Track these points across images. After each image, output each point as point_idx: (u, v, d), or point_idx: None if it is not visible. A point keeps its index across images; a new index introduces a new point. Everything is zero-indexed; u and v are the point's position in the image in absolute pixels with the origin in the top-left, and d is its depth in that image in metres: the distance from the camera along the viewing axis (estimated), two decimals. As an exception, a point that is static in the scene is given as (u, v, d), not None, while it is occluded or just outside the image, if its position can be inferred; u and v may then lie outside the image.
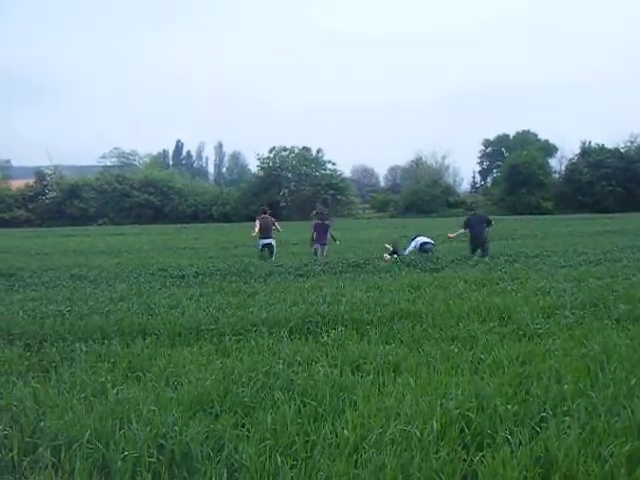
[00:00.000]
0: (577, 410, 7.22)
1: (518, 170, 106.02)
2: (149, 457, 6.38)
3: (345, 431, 6.77)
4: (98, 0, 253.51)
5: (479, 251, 26.40)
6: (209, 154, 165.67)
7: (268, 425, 7.04)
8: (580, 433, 6.60)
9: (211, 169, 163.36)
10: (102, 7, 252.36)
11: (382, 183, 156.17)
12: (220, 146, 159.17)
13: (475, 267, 22.35)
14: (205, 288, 18.31)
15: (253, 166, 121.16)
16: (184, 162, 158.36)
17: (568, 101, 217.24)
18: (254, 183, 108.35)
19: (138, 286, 19.01)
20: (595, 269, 20.80)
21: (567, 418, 7.01)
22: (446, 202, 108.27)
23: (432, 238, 29.52)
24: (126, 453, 6.40)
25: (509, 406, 7.36)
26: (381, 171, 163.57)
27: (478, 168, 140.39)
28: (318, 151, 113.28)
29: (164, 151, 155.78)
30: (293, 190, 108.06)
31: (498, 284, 17.70)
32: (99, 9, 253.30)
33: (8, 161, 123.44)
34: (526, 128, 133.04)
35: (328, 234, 29.36)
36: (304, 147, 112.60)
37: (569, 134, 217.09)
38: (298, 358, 10.03)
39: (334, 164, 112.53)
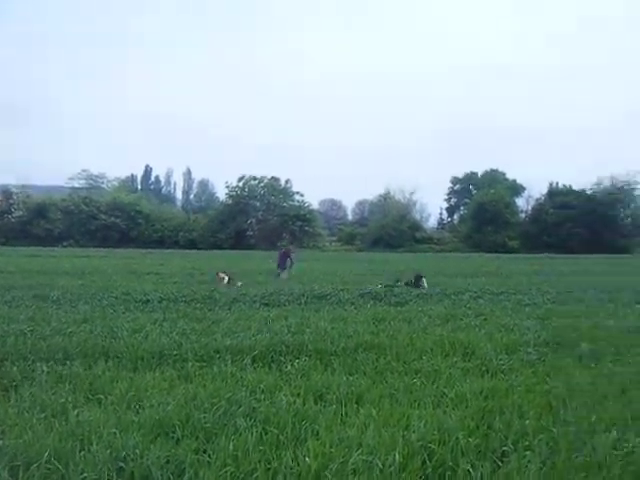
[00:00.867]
0: (539, 445, 7.27)
1: (485, 208, 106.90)
2: (109, 479, 6.32)
3: (307, 459, 6.75)
4: (69, 20, 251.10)
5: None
6: (177, 180, 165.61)
7: (230, 451, 7.01)
8: (541, 468, 6.64)
9: (179, 195, 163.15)
10: (73, 27, 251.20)
11: (350, 216, 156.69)
12: (189, 172, 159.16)
13: (440, 302, 22.41)
14: (169, 313, 18.23)
15: (221, 194, 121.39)
16: (152, 187, 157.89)
17: (537, 142, 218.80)
18: (222, 211, 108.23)
19: (102, 309, 18.91)
20: (559, 308, 20.99)
21: (528, 452, 7.04)
22: (413, 237, 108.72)
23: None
24: (85, 475, 6.36)
25: (471, 439, 7.39)
26: (349, 204, 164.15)
27: (445, 205, 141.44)
28: (287, 182, 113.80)
29: (132, 175, 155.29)
30: (261, 219, 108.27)
31: (462, 320, 17.77)
32: (70, 30, 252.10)
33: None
34: (494, 167, 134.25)
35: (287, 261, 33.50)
36: (273, 177, 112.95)
37: (537, 175, 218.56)
38: (261, 386, 10.00)
39: (302, 195, 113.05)
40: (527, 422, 8.09)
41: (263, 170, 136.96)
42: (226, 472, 6.48)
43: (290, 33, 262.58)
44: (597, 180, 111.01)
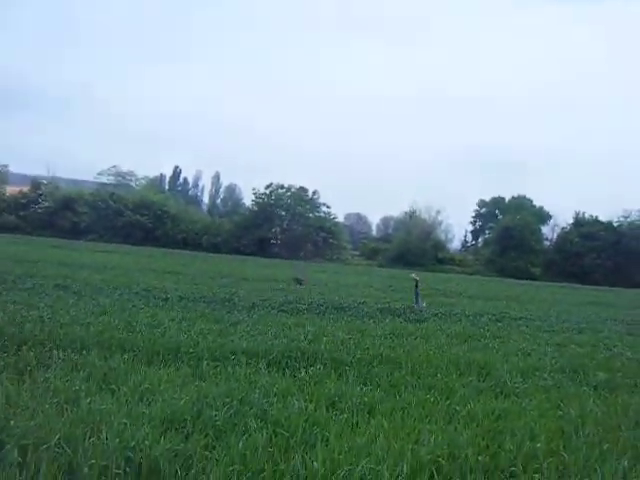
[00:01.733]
0: (548, 468, 7.24)
1: (510, 233, 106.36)
2: (116, 468, 6.37)
3: (315, 464, 6.76)
4: (101, 16, 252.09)
5: None
6: (205, 183, 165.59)
7: (239, 450, 7.04)
8: (549, 491, 6.60)
9: (206, 199, 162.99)
10: (115, 22, 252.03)
11: (374, 232, 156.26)
12: (217, 177, 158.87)
13: (458, 322, 22.35)
14: (188, 312, 18.29)
15: (248, 200, 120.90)
16: (180, 189, 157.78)
17: (566, 171, 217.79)
18: (247, 217, 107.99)
19: (121, 303, 19.00)
20: (577, 337, 20.86)
21: (537, 475, 7.02)
22: (435, 257, 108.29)
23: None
24: (93, 461, 6.39)
25: (480, 457, 7.38)
26: (374, 220, 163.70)
27: (470, 227, 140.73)
28: (314, 193, 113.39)
29: (161, 175, 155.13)
30: (285, 228, 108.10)
31: (480, 341, 17.72)
32: (106, 27, 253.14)
33: (6, 166, 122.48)
34: (522, 193, 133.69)
35: None
36: (301, 187, 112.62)
37: (564, 203, 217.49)
38: (274, 390, 10.03)
39: (329, 207, 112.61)
40: (538, 445, 8.04)
41: (292, 179, 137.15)
42: (233, 470, 6.51)
43: (324, 46, 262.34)
44: (623, 212, 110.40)
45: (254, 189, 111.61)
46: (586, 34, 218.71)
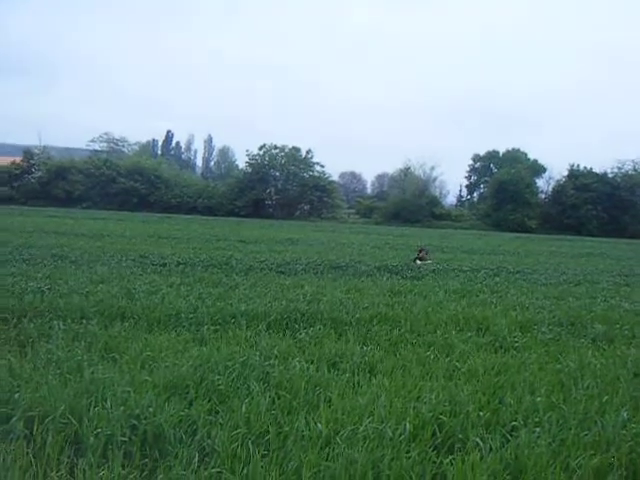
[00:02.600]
0: (548, 422, 7.30)
1: (505, 187, 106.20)
2: (121, 436, 6.42)
3: (318, 425, 6.82)
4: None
5: None
6: (198, 147, 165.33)
7: (242, 414, 7.09)
8: (550, 444, 6.67)
9: (199, 162, 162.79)
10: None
11: (369, 190, 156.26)
12: (210, 140, 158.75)
13: (456, 278, 22.41)
14: (186, 277, 18.33)
15: (241, 162, 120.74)
16: (173, 153, 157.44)
17: (560, 123, 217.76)
18: (241, 179, 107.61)
19: (119, 270, 19.03)
20: (574, 289, 20.94)
21: (538, 429, 7.08)
22: (431, 213, 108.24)
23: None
24: (99, 430, 6.43)
25: (481, 413, 7.45)
26: (369, 178, 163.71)
27: (465, 182, 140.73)
28: (308, 152, 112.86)
29: (153, 140, 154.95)
30: (280, 189, 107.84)
31: (478, 296, 17.78)
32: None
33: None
34: (516, 146, 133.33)
35: None
36: (294, 147, 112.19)
37: (558, 156, 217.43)
38: (275, 352, 10.06)
39: (322, 166, 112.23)
40: (538, 399, 8.11)
41: (285, 140, 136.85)
42: (238, 433, 6.55)
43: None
44: (618, 163, 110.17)
45: (247, 150, 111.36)
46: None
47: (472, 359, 10.30)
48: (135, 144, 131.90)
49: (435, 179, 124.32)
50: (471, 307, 15.43)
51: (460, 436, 6.91)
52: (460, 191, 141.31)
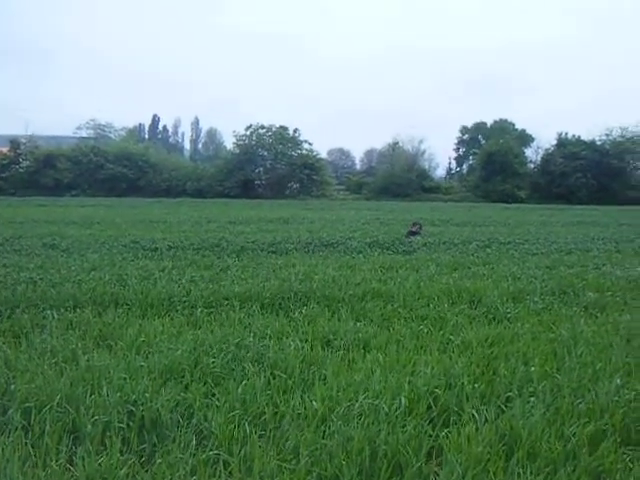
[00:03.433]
0: (542, 391, 7.37)
1: (494, 158, 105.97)
2: (119, 422, 6.46)
3: (314, 403, 6.87)
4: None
5: None
6: (185, 130, 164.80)
7: (238, 395, 7.14)
8: (544, 413, 6.74)
9: (187, 145, 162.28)
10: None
11: (358, 166, 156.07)
12: (197, 122, 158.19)
13: (447, 251, 22.47)
14: (178, 261, 18.34)
15: (229, 143, 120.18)
16: (160, 137, 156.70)
17: (547, 92, 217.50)
18: (229, 160, 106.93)
19: (111, 257, 19.01)
20: (566, 258, 20.99)
21: (532, 398, 7.16)
22: (421, 187, 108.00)
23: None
24: (96, 418, 6.47)
25: (476, 385, 7.52)
26: (357, 154, 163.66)
27: (454, 154, 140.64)
28: (295, 130, 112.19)
29: (140, 125, 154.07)
30: (269, 169, 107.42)
31: (469, 268, 17.84)
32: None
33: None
34: (504, 117, 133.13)
35: None
36: (281, 126, 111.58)
37: (546, 125, 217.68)
38: (269, 332, 10.12)
39: (310, 144, 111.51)
40: (532, 369, 8.19)
41: (272, 119, 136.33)
42: (234, 415, 6.60)
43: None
44: (606, 130, 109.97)
45: (234, 131, 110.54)
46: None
47: (465, 331, 10.37)
48: (122, 129, 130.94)
49: (424, 152, 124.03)
50: (463, 280, 15.48)
51: (455, 409, 6.97)
52: (449, 164, 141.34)
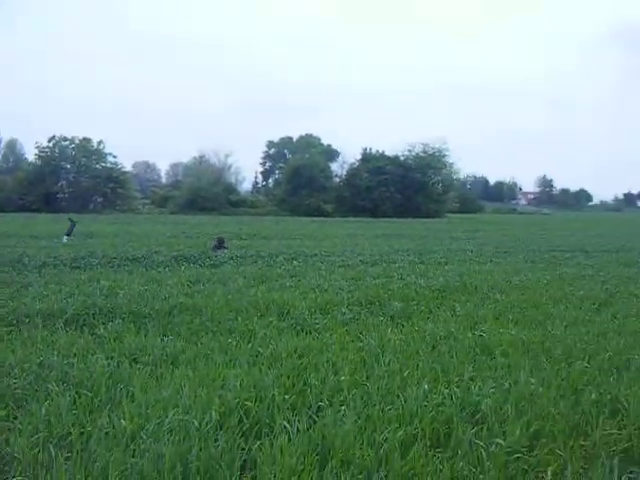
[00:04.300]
0: (353, 399, 7.46)
1: (300, 172, 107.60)
2: None
3: (122, 421, 6.67)
4: None
5: None
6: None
7: (42, 417, 6.85)
8: (356, 421, 6.82)
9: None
10: None
11: (164, 179, 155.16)
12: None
13: (254, 264, 22.55)
14: (-27, 279, 17.52)
15: (31, 155, 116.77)
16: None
17: (351, 107, 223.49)
18: (31, 172, 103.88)
19: None
20: (372, 269, 21.49)
21: (343, 407, 7.22)
22: (228, 200, 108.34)
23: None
24: None
25: (287, 396, 7.52)
26: (163, 167, 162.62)
27: (261, 168, 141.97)
28: (99, 143, 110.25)
29: None
30: (72, 182, 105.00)
31: (277, 281, 17.95)
32: None
33: None
34: (310, 132, 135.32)
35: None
36: (85, 138, 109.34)
37: (351, 140, 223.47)
38: (74, 350, 9.82)
39: (115, 157, 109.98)
40: (342, 378, 8.28)
41: (75, 130, 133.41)
42: (39, 438, 6.32)
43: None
44: (408, 146, 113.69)
45: (36, 143, 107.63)
46: None
47: (274, 343, 10.38)
48: None
49: (230, 166, 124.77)
50: (271, 292, 15.55)
51: (267, 420, 6.95)
52: (256, 177, 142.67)
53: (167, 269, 20.70)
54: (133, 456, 6.00)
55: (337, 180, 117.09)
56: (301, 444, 6.23)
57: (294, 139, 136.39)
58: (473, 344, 10.55)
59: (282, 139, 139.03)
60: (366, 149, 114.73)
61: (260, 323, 12.09)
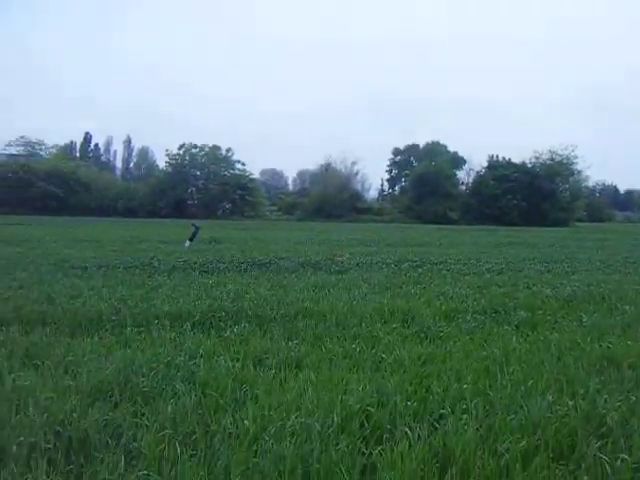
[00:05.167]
0: (475, 408, 7.37)
1: (426, 180, 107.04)
2: (45, 443, 6.29)
3: (245, 422, 6.78)
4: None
5: None
6: (117, 148, 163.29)
7: (168, 415, 7.02)
8: (477, 430, 6.74)
9: (119, 163, 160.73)
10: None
11: (291, 186, 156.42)
12: (129, 140, 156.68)
13: (380, 271, 22.54)
14: (108, 280, 18.11)
15: (162, 162, 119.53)
16: (91, 155, 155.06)
17: (479, 116, 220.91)
18: (162, 179, 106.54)
19: (39, 275, 18.71)
20: (497, 277, 21.20)
21: (465, 415, 7.14)
22: (354, 207, 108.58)
23: None
24: (22, 438, 6.29)
25: (409, 403, 7.50)
26: (290, 174, 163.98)
27: (387, 176, 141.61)
28: (228, 150, 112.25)
29: (72, 143, 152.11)
30: (201, 188, 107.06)
31: (402, 288, 17.89)
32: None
33: None
34: (436, 139, 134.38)
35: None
36: (214, 145, 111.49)
37: (478, 147, 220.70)
38: (200, 351, 10.00)
39: (244, 164, 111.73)
40: (464, 386, 8.20)
41: (205, 139, 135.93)
42: (164, 435, 6.47)
43: None
44: (535, 154, 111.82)
45: (167, 150, 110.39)
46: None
47: (398, 350, 10.34)
48: (53, 147, 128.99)
49: (357, 173, 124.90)
50: (395, 299, 15.51)
51: (388, 426, 6.93)
52: (382, 185, 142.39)
53: (293, 275, 20.90)
54: (255, 456, 6.09)
55: (463, 188, 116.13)
56: (421, 451, 6.20)
57: (420, 146, 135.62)
58: (600, 355, 10.23)
59: (408, 146, 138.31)
60: (492, 156, 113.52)
61: (384, 329, 12.08)
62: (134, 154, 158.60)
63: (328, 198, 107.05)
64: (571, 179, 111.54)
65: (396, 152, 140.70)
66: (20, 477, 5.69)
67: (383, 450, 6.26)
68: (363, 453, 6.28)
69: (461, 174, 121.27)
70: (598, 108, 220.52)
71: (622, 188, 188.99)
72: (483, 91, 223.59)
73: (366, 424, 6.92)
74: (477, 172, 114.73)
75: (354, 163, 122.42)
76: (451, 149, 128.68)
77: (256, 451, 6.21)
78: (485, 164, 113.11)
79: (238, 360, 9.54)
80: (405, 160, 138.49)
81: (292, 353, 10.05)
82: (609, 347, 10.85)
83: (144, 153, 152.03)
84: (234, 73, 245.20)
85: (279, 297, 15.24)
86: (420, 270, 23.11)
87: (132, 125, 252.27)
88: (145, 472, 5.86)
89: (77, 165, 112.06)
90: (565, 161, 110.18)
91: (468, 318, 13.39)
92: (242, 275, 20.46)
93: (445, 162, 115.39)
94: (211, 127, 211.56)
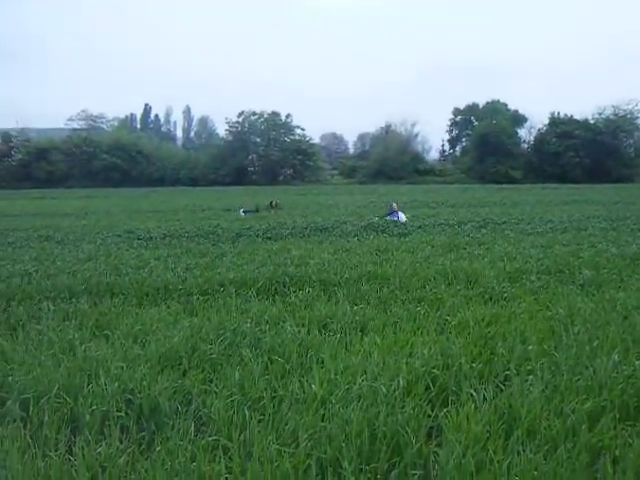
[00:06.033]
0: (541, 369, 7.36)
1: (487, 139, 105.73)
2: (117, 411, 6.44)
3: (312, 387, 6.85)
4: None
5: None
6: (177, 118, 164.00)
7: (236, 381, 7.13)
8: (543, 390, 6.73)
9: (179, 133, 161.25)
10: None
11: (351, 150, 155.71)
12: (188, 110, 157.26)
13: (442, 232, 22.46)
14: (173, 249, 18.35)
15: (221, 130, 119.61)
16: (152, 126, 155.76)
17: (539, 72, 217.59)
18: (222, 147, 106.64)
19: (105, 247, 19.03)
20: (561, 236, 20.98)
21: (531, 376, 7.14)
22: (415, 169, 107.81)
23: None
24: (94, 407, 6.45)
25: (474, 364, 7.51)
26: (350, 138, 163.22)
27: (447, 137, 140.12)
28: (287, 116, 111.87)
29: (132, 115, 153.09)
30: (262, 155, 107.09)
31: (465, 249, 17.84)
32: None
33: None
34: (496, 98, 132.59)
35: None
36: (273, 112, 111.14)
37: (539, 104, 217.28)
38: (266, 317, 10.11)
39: (303, 129, 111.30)
40: (529, 347, 8.18)
41: (263, 106, 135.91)
42: (233, 401, 6.59)
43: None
44: (598, 109, 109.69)
45: (227, 118, 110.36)
46: None
47: (462, 312, 10.33)
48: (113, 120, 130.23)
49: (417, 135, 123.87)
50: (459, 261, 15.47)
51: (454, 388, 6.98)
52: (442, 146, 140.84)
53: (356, 238, 20.93)
54: (322, 420, 6.15)
55: (525, 146, 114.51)
56: (487, 412, 6.22)
57: (480, 105, 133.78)
58: (669, 314, 10.14)
59: (468, 106, 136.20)
60: (554, 113, 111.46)
61: (448, 292, 12.05)
62: (194, 124, 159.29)
63: (389, 160, 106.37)
64: (635, 134, 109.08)
65: (456, 112, 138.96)
66: (94, 444, 5.82)
67: (449, 412, 6.30)
68: (429, 416, 6.31)
69: (522, 132, 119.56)
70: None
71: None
72: (546, 53, 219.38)
73: (431, 387, 6.95)
74: (538, 130, 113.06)
75: (414, 125, 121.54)
76: (511, 107, 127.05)
77: (323, 415, 6.28)
78: (546, 122, 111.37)
79: (303, 325, 9.63)
80: (465, 120, 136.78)
81: (357, 317, 10.10)
82: (679, 305, 10.72)
83: (204, 122, 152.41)
84: (286, 42, 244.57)
85: (342, 261, 15.28)
86: (483, 231, 22.97)
87: (190, 94, 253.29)
88: (215, 437, 5.97)
89: (138, 137, 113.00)
90: (629, 116, 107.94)
91: (532, 278, 13.28)
92: (306, 240, 20.53)
93: (506, 121, 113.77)
94: (269, 93, 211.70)
